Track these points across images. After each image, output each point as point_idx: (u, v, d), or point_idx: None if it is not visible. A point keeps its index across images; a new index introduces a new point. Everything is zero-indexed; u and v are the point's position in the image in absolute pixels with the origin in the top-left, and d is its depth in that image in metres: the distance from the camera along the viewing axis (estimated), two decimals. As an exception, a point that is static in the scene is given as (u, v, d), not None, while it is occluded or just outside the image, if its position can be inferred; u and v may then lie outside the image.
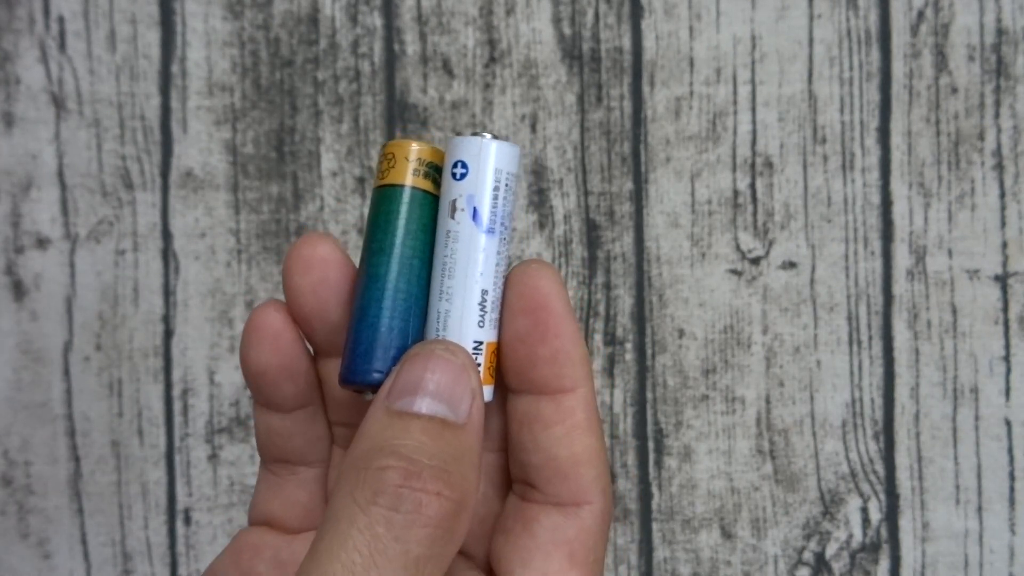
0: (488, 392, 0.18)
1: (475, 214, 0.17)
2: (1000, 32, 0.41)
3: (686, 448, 0.41)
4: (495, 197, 0.18)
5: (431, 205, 0.18)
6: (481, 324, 0.17)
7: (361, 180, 0.42)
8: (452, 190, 0.17)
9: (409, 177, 0.18)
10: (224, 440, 0.42)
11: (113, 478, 0.41)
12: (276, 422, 0.19)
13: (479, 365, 0.17)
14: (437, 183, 0.18)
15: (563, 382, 0.17)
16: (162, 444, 0.42)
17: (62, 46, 0.41)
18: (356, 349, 0.17)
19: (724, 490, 0.41)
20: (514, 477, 0.19)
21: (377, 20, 0.42)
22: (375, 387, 0.17)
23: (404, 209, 0.17)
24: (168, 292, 0.42)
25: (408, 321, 0.17)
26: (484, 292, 0.18)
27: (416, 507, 0.15)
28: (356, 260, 0.19)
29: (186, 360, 0.42)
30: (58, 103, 0.41)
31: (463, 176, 0.17)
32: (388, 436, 0.15)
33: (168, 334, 0.42)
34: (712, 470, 0.41)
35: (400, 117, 0.42)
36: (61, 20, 0.42)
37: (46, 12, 0.42)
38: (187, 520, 0.42)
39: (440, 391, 0.16)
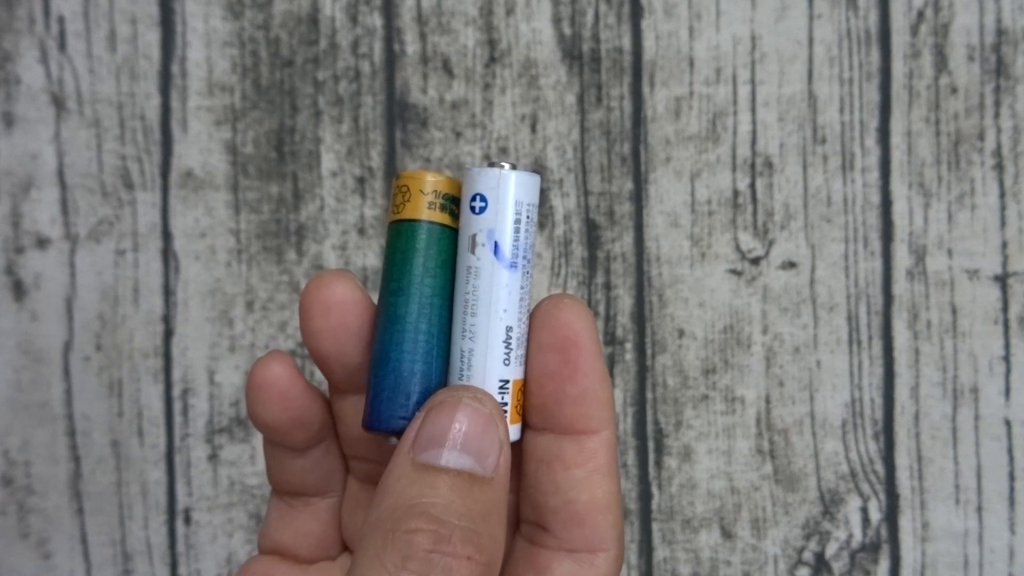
0: (516, 431, 0.17)
1: (496, 249, 0.16)
2: (1000, 32, 0.41)
3: (686, 448, 0.41)
4: (516, 230, 0.17)
5: (450, 239, 0.17)
6: (507, 362, 0.17)
7: (361, 180, 0.42)
8: (471, 224, 0.16)
9: (425, 211, 0.17)
10: (224, 440, 0.42)
11: (113, 478, 0.41)
12: (288, 462, 0.19)
13: (506, 404, 0.17)
14: (455, 215, 0.17)
15: (589, 423, 0.17)
16: (162, 444, 0.42)
17: (62, 46, 0.41)
18: (379, 395, 0.17)
19: (724, 490, 0.41)
20: (524, 519, 0.18)
21: (377, 20, 0.42)
22: (399, 433, 0.17)
23: (422, 246, 0.17)
24: (168, 292, 0.42)
25: (431, 364, 0.17)
26: (509, 329, 0.17)
27: (446, 573, 0.14)
28: (374, 295, 0.18)
29: (186, 360, 0.42)
30: (58, 103, 0.41)
31: (482, 210, 0.16)
32: (415, 493, 0.15)
33: (168, 334, 0.42)
34: (712, 470, 0.41)
35: (400, 117, 0.42)
36: (61, 20, 0.42)
37: (46, 12, 0.42)
38: (187, 520, 0.42)
39: (468, 443, 0.15)
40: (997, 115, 0.41)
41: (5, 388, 0.41)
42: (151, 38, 0.42)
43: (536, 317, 0.17)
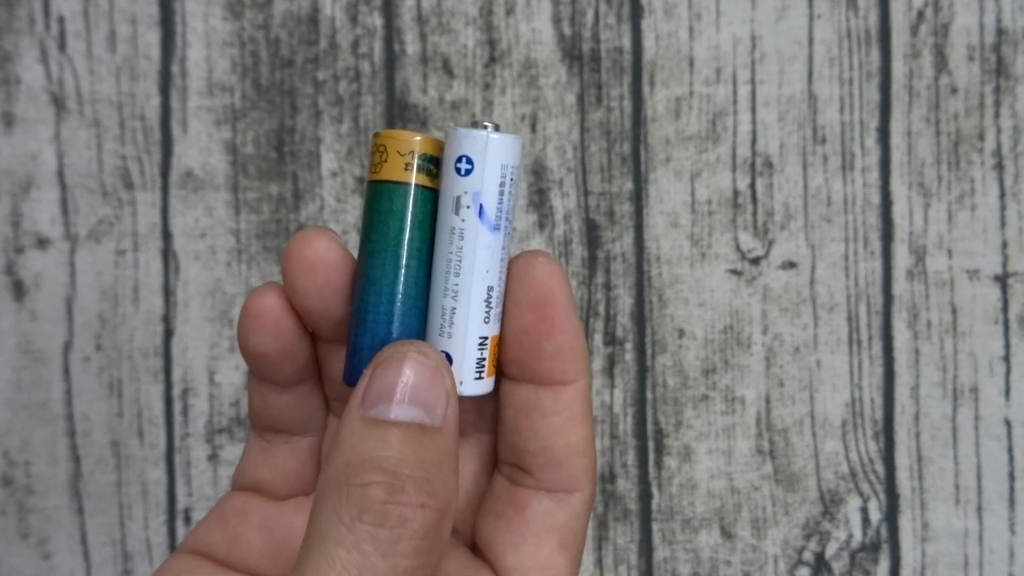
0: (490, 384, 0.18)
1: (481, 211, 0.17)
2: (1000, 32, 0.41)
3: (686, 448, 0.41)
4: (501, 193, 0.17)
5: (429, 200, 0.17)
6: (487, 320, 0.17)
7: (361, 180, 0.42)
8: (456, 186, 0.17)
9: (402, 173, 0.17)
10: (224, 440, 0.42)
11: (113, 478, 0.41)
12: (273, 396, 0.19)
13: (484, 360, 0.17)
14: (434, 176, 0.17)
15: (565, 375, 0.18)
16: (162, 444, 0.42)
17: (62, 46, 0.41)
18: (357, 353, 0.17)
19: (724, 490, 0.41)
20: (504, 460, 0.19)
21: (377, 20, 0.42)
22: None
23: (398, 208, 0.17)
24: (168, 292, 0.42)
25: (407, 323, 0.17)
26: (490, 288, 0.17)
27: (402, 522, 0.15)
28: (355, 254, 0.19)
29: (186, 360, 0.42)
30: (58, 103, 0.41)
31: (468, 172, 0.17)
32: (367, 448, 0.15)
33: (168, 334, 0.42)
34: (712, 470, 0.41)
35: (400, 117, 0.42)
36: (61, 20, 0.42)
37: (46, 12, 0.42)
38: (187, 520, 0.42)
39: (416, 395, 0.16)
40: (997, 115, 0.41)
41: (5, 388, 0.41)
42: (151, 38, 0.42)
43: (512, 275, 0.18)
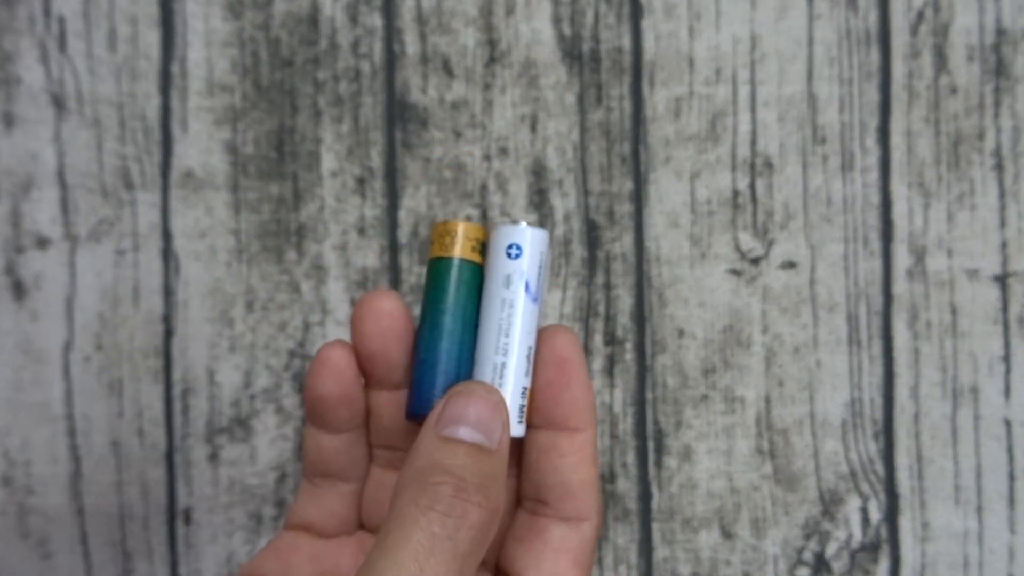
0: (523, 429, 0.22)
1: (527, 287, 0.22)
2: (1000, 32, 0.41)
3: (686, 448, 0.42)
4: (540, 273, 0.22)
5: (479, 274, 0.22)
6: (527, 373, 0.22)
7: (361, 180, 0.42)
8: (507, 266, 0.22)
9: (468, 253, 0.22)
10: (224, 440, 0.42)
11: (113, 478, 0.41)
12: (326, 441, 0.23)
13: (523, 407, 0.22)
14: (483, 255, 0.22)
15: (579, 422, 0.22)
16: (162, 444, 0.42)
17: (62, 46, 0.41)
18: (427, 390, 0.22)
19: (724, 490, 0.41)
20: (525, 496, 0.22)
21: (377, 20, 0.42)
22: None
23: (465, 278, 0.22)
24: (168, 292, 0.42)
25: (463, 367, 0.22)
26: (530, 348, 0.22)
27: (464, 513, 0.19)
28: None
29: (186, 360, 0.42)
30: (58, 103, 0.41)
31: (518, 256, 0.22)
32: (440, 457, 0.19)
33: (168, 334, 0.42)
34: (712, 470, 0.41)
35: (400, 117, 0.42)
36: (61, 20, 0.42)
37: (46, 12, 0.42)
38: (187, 520, 0.42)
39: (479, 423, 0.20)
40: (997, 115, 0.41)
41: (5, 388, 0.41)
42: (151, 38, 0.42)
43: (540, 340, 0.22)
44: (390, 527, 0.19)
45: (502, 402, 0.21)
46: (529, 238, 0.22)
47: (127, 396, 0.42)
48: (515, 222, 0.22)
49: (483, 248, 0.22)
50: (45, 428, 0.42)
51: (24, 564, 0.41)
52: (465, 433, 0.20)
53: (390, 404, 0.23)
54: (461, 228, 0.22)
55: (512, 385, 0.21)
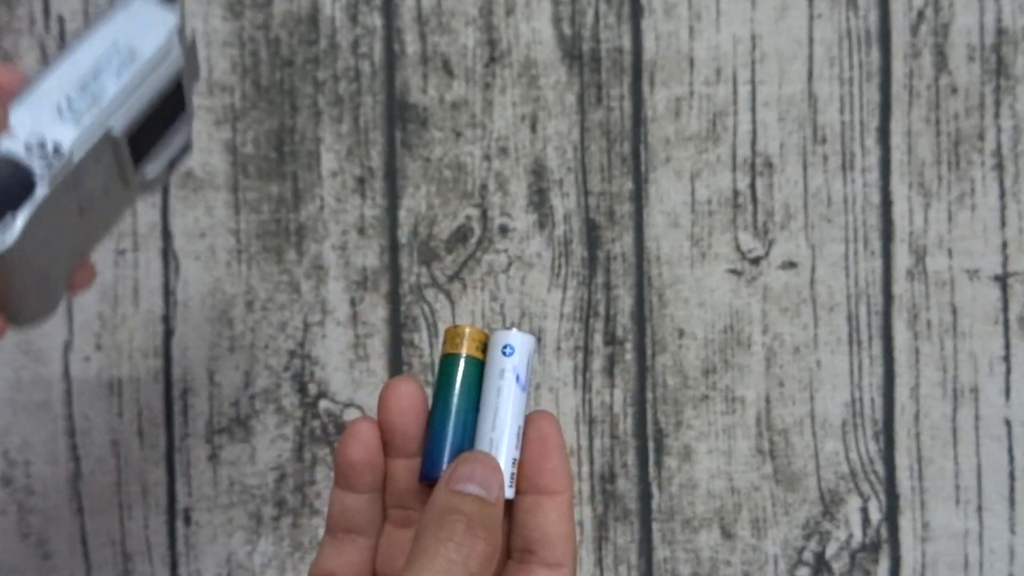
0: (512, 493, 0.27)
1: (517, 378, 0.27)
2: (1000, 32, 0.41)
3: (686, 448, 0.41)
4: (528, 368, 0.27)
5: (481, 367, 0.27)
6: (516, 447, 0.27)
7: (361, 180, 0.42)
8: (502, 361, 0.27)
9: (477, 351, 0.27)
10: (224, 440, 0.42)
11: (113, 478, 0.41)
12: (351, 501, 0.28)
13: (514, 475, 0.27)
14: (484, 352, 0.28)
15: (557, 487, 0.27)
16: (162, 444, 0.42)
17: (62, 46, 0.41)
18: (438, 457, 0.27)
19: (724, 490, 0.41)
20: (514, 548, 0.27)
21: (377, 20, 0.42)
22: None
23: (471, 371, 0.27)
24: (168, 292, 0.42)
25: (466, 439, 0.27)
26: (520, 427, 0.27)
27: (473, 544, 0.24)
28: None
29: (186, 360, 0.42)
30: (58, 103, 0.41)
31: (511, 354, 0.27)
32: (453, 503, 0.25)
33: (168, 334, 0.42)
34: (712, 470, 0.41)
35: (400, 117, 0.42)
36: (61, 20, 0.42)
37: (46, 12, 0.42)
38: (187, 520, 0.42)
39: (483, 480, 0.26)
40: (997, 115, 0.41)
41: (5, 388, 0.41)
42: (151, 38, 0.42)
43: (528, 421, 0.27)
44: (416, 555, 0.24)
45: (498, 467, 0.26)
46: (519, 341, 0.27)
47: (127, 396, 0.42)
48: (509, 329, 0.28)
49: (485, 347, 0.28)
50: (45, 428, 0.42)
51: (24, 564, 0.41)
52: (472, 488, 0.25)
53: (405, 470, 0.28)
54: (467, 331, 0.27)
55: (504, 455, 0.27)
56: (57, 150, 0.24)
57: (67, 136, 0.24)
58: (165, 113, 0.27)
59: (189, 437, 0.42)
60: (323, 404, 0.42)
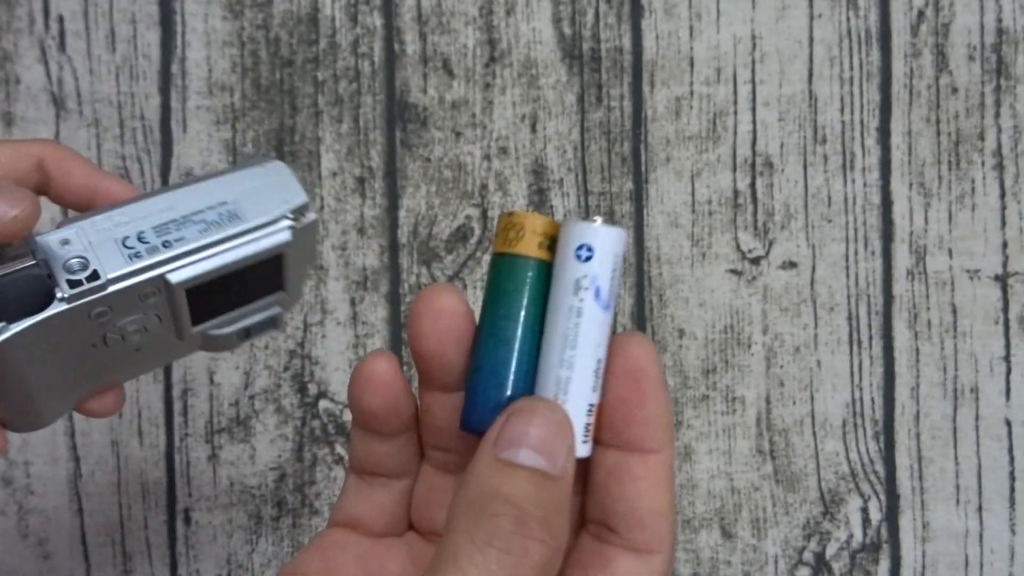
0: (590, 448, 0.20)
1: (598, 293, 0.19)
2: (1000, 32, 0.41)
3: (686, 448, 0.41)
4: (613, 278, 0.20)
5: (548, 274, 0.20)
6: (595, 388, 0.20)
7: (361, 180, 0.42)
8: (576, 269, 0.19)
9: (535, 250, 0.20)
10: (224, 440, 0.42)
11: (113, 478, 0.41)
12: (376, 445, 0.22)
13: (590, 425, 0.20)
14: (552, 252, 0.20)
15: (653, 443, 0.20)
16: (162, 444, 0.42)
17: (62, 46, 0.41)
18: (484, 403, 0.20)
19: (724, 490, 0.41)
20: (591, 519, 0.20)
21: (377, 20, 0.42)
22: None
23: (531, 279, 0.20)
24: (168, 292, 0.42)
25: (526, 379, 0.20)
26: (599, 361, 0.20)
27: (524, 551, 0.17)
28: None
29: (186, 360, 0.42)
30: (58, 103, 0.41)
31: (588, 259, 0.19)
32: (497, 483, 0.18)
33: (168, 334, 0.42)
34: (712, 470, 0.41)
35: (400, 117, 0.42)
36: (61, 20, 0.42)
37: (46, 12, 0.42)
38: (187, 520, 0.42)
39: (542, 445, 0.18)
40: (997, 115, 0.41)
41: (5, 388, 0.41)
42: (151, 38, 0.42)
43: (613, 347, 0.20)
44: (442, 562, 0.17)
45: (567, 421, 0.19)
46: (601, 238, 0.19)
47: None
48: (588, 219, 0.20)
49: (553, 244, 0.20)
50: (45, 428, 0.42)
51: (24, 564, 0.41)
52: (526, 457, 0.18)
53: (445, 406, 0.21)
54: (529, 221, 0.20)
55: (577, 402, 0.19)
56: (94, 277, 0.23)
57: (111, 268, 0.23)
58: (251, 284, 0.25)
59: (189, 437, 0.42)
60: (323, 404, 0.42)
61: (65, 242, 0.23)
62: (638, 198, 0.42)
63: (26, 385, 0.24)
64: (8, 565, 0.41)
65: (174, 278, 0.23)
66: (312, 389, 0.41)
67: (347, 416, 0.41)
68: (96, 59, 0.41)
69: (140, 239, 0.23)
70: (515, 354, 0.20)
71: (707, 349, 0.41)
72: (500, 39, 0.42)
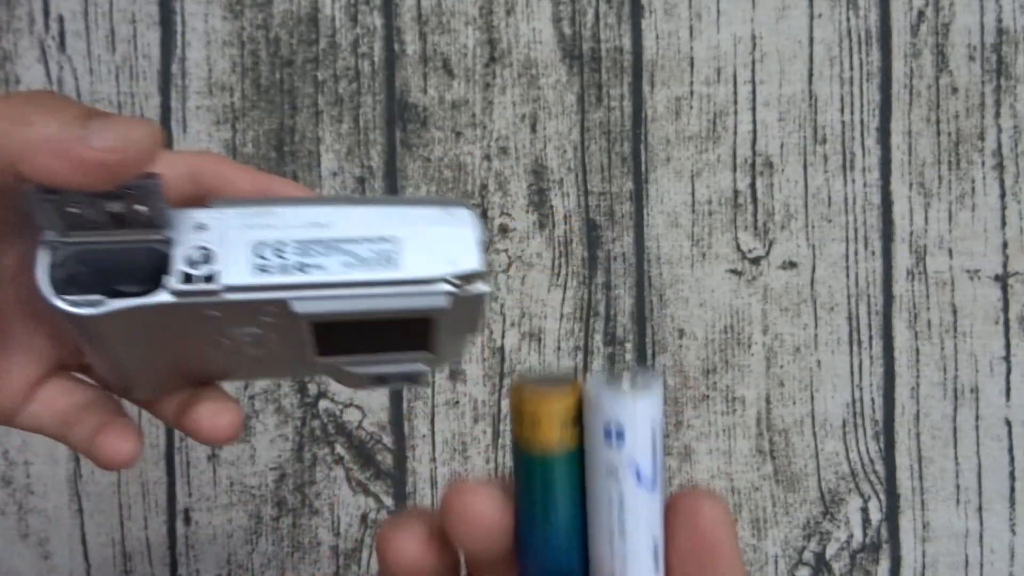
0: None
1: (639, 475, 0.17)
2: (1000, 32, 0.41)
3: (686, 448, 0.41)
4: (654, 454, 0.17)
5: (581, 458, 0.17)
6: (656, 570, 0.17)
7: (361, 180, 0.42)
8: (608, 456, 0.17)
9: (558, 441, 0.17)
10: (224, 440, 0.42)
11: (113, 478, 0.41)
12: None
13: None
14: (581, 429, 0.17)
15: None
16: (162, 444, 0.42)
17: (62, 46, 0.41)
18: None
19: (724, 490, 0.41)
20: None
21: (377, 20, 0.42)
22: None
23: (564, 478, 0.17)
24: (168, 292, 0.42)
25: (574, 557, 0.18)
26: (655, 539, 0.17)
27: None
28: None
29: (186, 360, 0.42)
30: (58, 103, 0.41)
31: (619, 441, 0.16)
32: None
33: (168, 334, 0.42)
34: (712, 470, 0.41)
35: (400, 117, 0.42)
36: (61, 20, 0.42)
37: (46, 12, 0.42)
38: (187, 520, 0.42)
39: None
40: (998, 115, 0.41)
41: (5, 388, 0.41)
42: (151, 38, 0.42)
43: (676, 516, 0.17)
44: None
45: None
46: (631, 415, 0.16)
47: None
48: (614, 378, 0.17)
49: (579, 416, 0.17)
50: (45, 428, 0.41)
51: (24, 564, 0.41)
52: None
53: None
54: (544, 408, 0.17)
55: None
56: (210, 279, 0.20)
57: (233, 275, 0.20)
58: (390, 336, 0.22)
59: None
60: (323, 404, 0.42)
61: (200, 227, 0.21)
62: (638, 198, 0.42)
63: (122, 358, 0.22)
64: (8, 565, 0.41)
65: (298, 308, 0.21)
66: (312, 389, 0.41)
67: (347, 416, 0.41)
68: (96, 59, 0.41)
69: (277, 252, 0.21)
70: (558, 541, 0.18)
71: (707, 349, 0.41)
72: (500, 39, 0.42)
